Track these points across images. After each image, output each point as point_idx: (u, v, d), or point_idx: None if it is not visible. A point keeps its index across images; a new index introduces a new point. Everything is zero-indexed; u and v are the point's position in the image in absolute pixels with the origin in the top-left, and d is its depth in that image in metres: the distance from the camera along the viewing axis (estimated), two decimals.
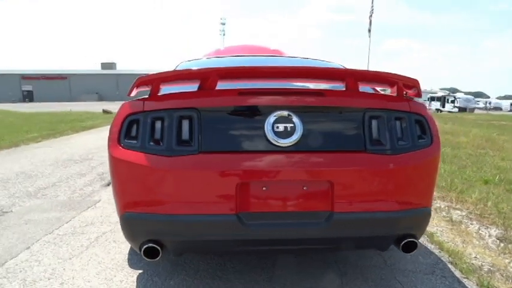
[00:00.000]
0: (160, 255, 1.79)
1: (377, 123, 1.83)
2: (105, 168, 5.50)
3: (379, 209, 1.81)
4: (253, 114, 1.78)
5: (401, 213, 1.83)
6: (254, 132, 1.76)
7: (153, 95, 1.81)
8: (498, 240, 3.08)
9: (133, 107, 1.80)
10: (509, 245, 2.97)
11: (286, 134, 1.72)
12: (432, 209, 3.77)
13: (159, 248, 1.78)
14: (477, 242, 3.06)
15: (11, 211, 3.65)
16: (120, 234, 2.65)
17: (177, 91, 1.85)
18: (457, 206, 3.98)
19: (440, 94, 44.63)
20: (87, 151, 7.30)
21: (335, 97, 1.86)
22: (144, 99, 1.80)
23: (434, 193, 4.32)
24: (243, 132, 1.78)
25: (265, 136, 1.73)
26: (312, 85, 2.07)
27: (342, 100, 1.85)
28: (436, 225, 3.42)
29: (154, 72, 1.73)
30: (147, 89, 1.82)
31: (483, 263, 2.66)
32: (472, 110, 39.72)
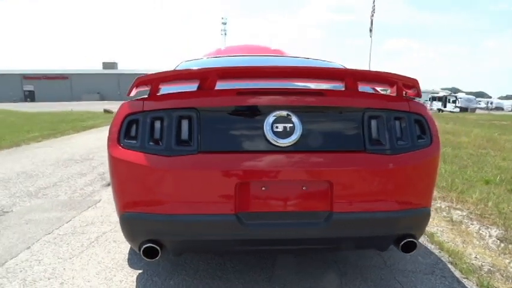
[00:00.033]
0: (159, 255, 1.80)
1: (376, 123, 1.83)
2: (105, 168, 5.51)
3: (378, 209, 1.81)
4: (253, 114, 1.78)
5: (401, 213, 1.83)
6: (253, 132, 1.76)
7: (153, 95, 1.81)
8: (498, 241, 3.08)
9: (132, 107, 1.80)
10: (510, 245, 2.96)
11: (285, 134, 1.72)
12: (432, 209, 3.78)
13: (158, 248, 1.78)
14: (477, 242, 3.05)
15: (12, 211, 3.66)
16: (120, 234, 2.65)
17: (176, 91, 1.85)
18: (458, 206, 3.98)
19: (441, 94, 44.57)
20: (88, 151, 7.31)
21: (334, 97, 1.85)
22: (143, 99, 1.80)
23: (435, 193, 4.32)
24: (242, 132, 1.78)
25: (264, 136, 1.73)
26: (311, 85, 2.07)
27: (341, 100, 1.85)
28: (436, 225, 3.41)
29: (154, 72, 1.73)
30: (146, 89, 1.83)
31: (483, 263, 2.65)
32: (474, 110, 39.67)
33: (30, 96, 60.10)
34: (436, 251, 2.83)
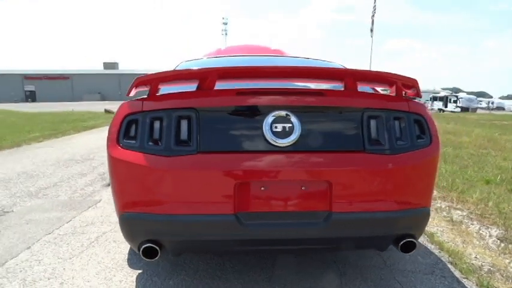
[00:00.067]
0: (159, 255, 1.80)
1: (376, 123, 1.83)
2: (106, 168, 5.50)
3: (377, 209, 1.81)
4: (252, 114, 1.78)
5: (400, 213, 1.83)
6: (252, 132, 1.76)
7: (152, 95, 1.81)
8: (499, 241, 3.08)
9: (132, 107, 1.80)
10: (510, 245, 2.96)
11: (284, 134, 1.72)
12: (432, 209, 3.78)
13: (157, 248, 1.78)
14: (477, 242, 3.05)
15: (12, 211, 3.67)
16: (120, 234, 2.65)
17: (176, 91, 1.85)
18: (458, 206, 3.97)
19: (442, 94, 44.51)
20: (89, 151, 7.32)
21: (333, 97, 1.85)
22: (142, 99, 1.81)
23: (435, 193, 4.32)
24: (241, 132, 1.78)
25: (263, 136, 1.73)
26: (311, 85, 2.07)
27: (341, 100, 1.85)
28: (436, 225, 3.41)
29: (153, 72, 1.73)
30: (146, 89, 1.83)
31: (483, 263, 2.65)
32: (475, 109, 39.62)
33: (31, 97, 60.14)
34: (436, 251, 2.83)
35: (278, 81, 1.98)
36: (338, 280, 2.33)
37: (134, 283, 2.29)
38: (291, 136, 1.72)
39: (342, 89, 1.85)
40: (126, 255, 2.66)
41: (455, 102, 39.77)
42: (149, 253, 1.79)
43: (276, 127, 1.73)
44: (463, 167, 5.94)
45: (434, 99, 42.26)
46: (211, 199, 1.73)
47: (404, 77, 1.82)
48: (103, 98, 57.74)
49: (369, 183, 1.79)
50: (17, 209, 3.72)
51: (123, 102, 1.88)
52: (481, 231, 3.28)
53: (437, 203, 4.07)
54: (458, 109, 38.10)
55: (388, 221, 1.83)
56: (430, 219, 3.27)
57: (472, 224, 3.45)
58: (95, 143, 8.48)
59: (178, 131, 1.75)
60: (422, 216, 1.91)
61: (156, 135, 1.76)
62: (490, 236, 3.19)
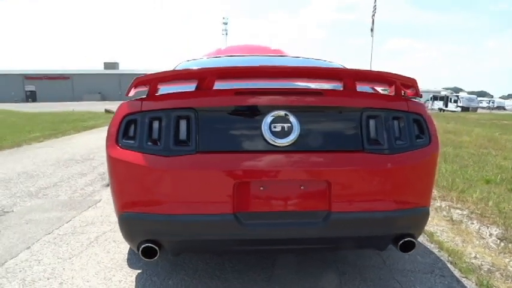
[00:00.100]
0: (158, 255, 1.80)
1: (375, 122, 1.83)
2: (106, 168, 5.52)
3: (377, 209, 1.81)
4: (251, 114, 1.78)
5: (399, 213, 1.83)
6: (251, 132, 1.76)
7: (151, 95, 1.82)
8: (498, 240, 3.07)
9: (131, 107, 1.80)
10: (510, 245, 2.96)
11: (283, 133, 1.72)
12: (432, 209, 3.78)
13: (156, 247, 1.78)
14: (477, 242, 3.05)
15: (12, 211, 3.67)
16: (119, 234, 2.66)
17: (175, 91, 1.85)
18: (458, 206, 3.97)
19: (443, 93, 44.48)
20: (89, 151, 7.32)
21: (332, 97, 1.86)
22: (142, 99, 1.81)
23: (435, 192, 4.32)
24: (240, 132, 1.78)
25: (262, 136, 1.73)
26: (310, 85, 2.07)
27: (340, 100, 1.85)
28: (436, 225, 3.41)
29: (152, 72, 1.73)
30: (145, 89, 1.83)
31: (483, 263, 2.65)
32: (475, 109, 39.61)
33: (31, 97, 60.17)
34: (436, 251, 2.83)
35: (277, 81, 1.98)
36: (337, 280, 2.33)
37: (134, 283, 2.29)
38: (290, 136, 1.73)
39: (341, 88, 1.85)
40: (126, 255, 2.66)
41: (455, 101, 39.75)
42: (148, 253, 1.79)
43: (275, 127, 1.73)
44: (463, 167, 5.93)
45: (435, 98, 42.24)
46: (211, 199, 1.73)
47: (404, 76, 1.82)
48: (103, 98, 57.74)
49: (368, 183, 1.79)
50: (17, 209, 3.72)
51: (122, 102, 1.89)
52: (480, 231, 3.28)
53: (437, 203, 4.07)
54: (459, 109, 38.09)
55: (387, 221, 1.83)
56: (429, 219, 3.26)
57: (472, 224, 3.45)
58: (95, 143, 8.48)
59: (177, 131, 1.75)
60: (421, 215, 1.91)
61: (155, 135, 1.76)
62: (490, 235, 3.18)
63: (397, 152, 1.81)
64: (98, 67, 69.64)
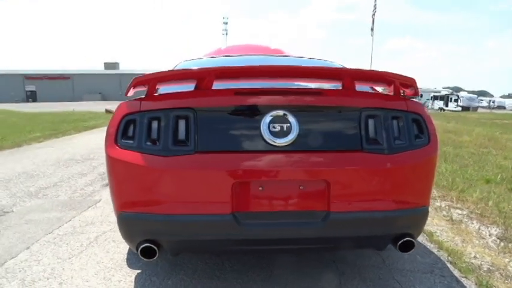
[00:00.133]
0: (157, 255, 1.80)
1: (374, 122, 1.83)
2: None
3: (376, 209, 1.81)
4: (249, 114, 1.78)
5: (399, 213, 1.83)
6: (250, 132, 1.76)
7: (150, 95, 1.82)
8: (498, 240, 3.07)
9: (130, 107, 1.80)
10: (510, 244, 2.96)
11: (282, 133, 1.72)
12: (432, 208, 3.78)
13: (155, 247, 1.78)
14: (477, 241, 3.05)
15: (12, 211, 3.67)
16: (119, 234, 2.66)
17: (174, 91, 1.85)
18: (458, 205, 3.97)
19: (443, 93, 44.46)
20: (89, 151, 7.32)
21: (331, 96, 1.85)
22: (141, 99, 1.81)
23: (435, 192, 4.32)
24: (239, 132, 1.78)
25: (261, 136, 1.73)
26: (309, 84, 2.07)
27: (338, 99, 1.85)
28: (436, 225, 3.40)
29: (151, 72, 1.73)
30: (144, 89, 1.83)
31: (482, 262, 2.65)
32: (476, 108, 39.60)
33: (32, 97, 60.18)
34: (435, 250, 2.82)
35: (276, 80, 1.98)
36: (337, 279, 2.33)
37: (133, 283, 2.29)
38: (289, 136, 1.72)
39: (340, 88, 1.85)
40: (125, 255, 2.66)
41: (456, 101, 39.74)
42: (147, 253, 1.79)
43: (273, 127, 1.72)
44: (463, 166, 5.93)
45: (435, 98, 42.22)
46: (209, 199, 1.73)
47: (402, 76, 1.81)
48: (104, 98, 57.73)
49: (367, 183, 1.79)
50: (17, 209, 3.72)
51: (121, 102, 1.88)
52: (480, 231, 3.28)
53: (437, 202, 4.06)
54: (459, 108, 38.07)
55: (387, 221, 1.83)
56: (429, 219, 3.27)
57: (471, 223, 3.45)
58: (95, 142, 8.48)
59: (176, 131, 1.75)
60: (420, 215, 1.91)
61: (154, 135, 1.76)
62: (490, 235, 3.18)
63: (396, 152, 1.81)
64: (98, 67, 69.65)
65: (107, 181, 4.66)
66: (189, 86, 1.83)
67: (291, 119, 1.73)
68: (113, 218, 3.37)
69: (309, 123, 1.78)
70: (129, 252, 2.69)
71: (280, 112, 1.74)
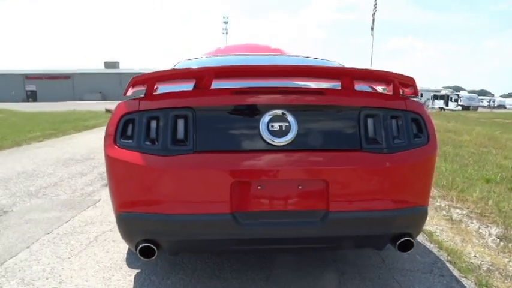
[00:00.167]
0: (156, 255, 1.80)
1: (373, 121, 1.82)
2: None
3: (375, 208, 1.80)
4: (248, 113, 1.77)
5: (398, 212, 1.82)
6: (249, 132, 1.76)
7: (149, 95, 1.81)
8: (498, 239, 3.07)
9: (129, 107, 1.80)
10: (509, 244, 2.95)
11: (281, 133, 1.72)
12: (432, 208, 3.78)
13: (154, 247, 1.78)
14: (477, 241, 3.04)
15: (12, 210, 3.67)
16: (118, 234, 2.67)
17: (174, 90, 1.85)
18: (458, 205, 3.97)
19: (443, 92, 44.43)
20: (89, 150, 7.32)
21: (330, 96, 1.85)
22: (139, 99, 1.80)
23: (435, 192, 4.31)
24: (238, 132, 1.77)
25: (260, 135, 1.73)
26: (308, 84, 2.06)
27: (337, 99, 1.84)
28: (435, 224, 3.40)
29: (150, 72, 1.73)
30: (143, 88, 1.82)
31: (482, 262, 2.65)
32: (476, 108, 39.58)
33: (32, 96, 60.13)
34: (435, 250, 2.82)
35: (275, 80, 1.97)
36: (337, 279, 2.33)
37: (132, 282, 2.29)
38: (288, 135, 1.72)
39: (339, 87, 1.85)
40: (125, 255, 2.66)
41: (456, 100, 39.73)
42: (146, 252, 1.79)
43: (272, 126, 1.72)
44: (464, 166, 5.92)
45: (436, 97, 42.19)
46: (208, 198, 1.73)
47: (402, 75, 1.81)
48: (104, 98, 57.68)
49: (366, 182, 1.79)
50: (17, 209, 3.72)
51: (120, 101, 1.88)
52: (480, 230, 3.28)
53: (437, 202, 4.06)
54: (460, 107, 38.06)
55: (386, 220, 1.82)
56: (429, 218, 3.26)
57: (471, 223, 3.45)
58: (95, 142, 8.47)
59: (175, 131, 1.74)
60: (420, 215, 1.91)
61: (152, 134, 1.76)
62: (490, 234, 3.18)
63: (395, 151, 1.80)
64: (98, 66, 69.57)
65: (106, 181, 4.67)
66: (188, 86, 1.83)
67: (290, 118, 1.73)
68: (113, 218, 3.36)
69: (308, 122, 1.77)
70: (129, 252, 2.69)
71: (279, 111, 1.74)
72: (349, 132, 1.81)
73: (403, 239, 1.85)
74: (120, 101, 1.92)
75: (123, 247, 2.77)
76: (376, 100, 1.87)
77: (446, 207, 3.90)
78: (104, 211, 3.64)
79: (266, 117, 1.73)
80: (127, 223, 1.81)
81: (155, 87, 1.85)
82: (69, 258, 2.62)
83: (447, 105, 39.92)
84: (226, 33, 59.13)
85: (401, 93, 1.93)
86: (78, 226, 3.25)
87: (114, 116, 1.81)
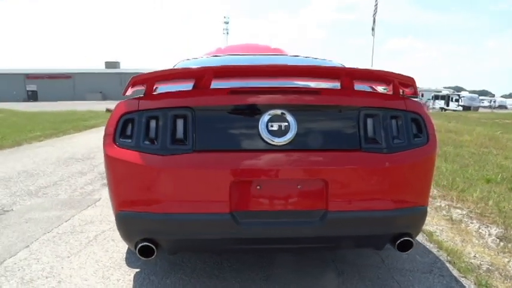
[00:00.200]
0: (155, 254, 1.80)
1: (372, 121, 1.82)
2: None
3: (374, 208, 1.80)
4: (248, 113, 1.77)
5: (397, 212, 1.82)
6: (248, 131, 1.76)
7: (148, 94, 1.81)
8: (498, 239, 3.07)
9: (128, 106, 1.80)
10: (509, 244, 2.95)
11: (280, 132, 1.72)
12: (432, 208, 3.77)
13: (154, 246, 1.78)
14: (477, 241, 3.04)
15: (12, 210, 3.68)
16: (118, 233, 2.67)
17: (173, 90, 1.85)
18: (458, 205, 3.96)
19: (444, 93, 44.36)
20: (89, 150, 7.33)
21: (330, 95, 1.85)
22: (139, 98, 1.81)
23: (435, 192, 4.31)
24: (237, 131, 1.77)
25: (259, 135, 1.72)
26: (308, 83, 2.06)
27: (337, 98, 1.84)
28: (435, 224, 3.40)
29: (149, 71, 1.73)
30: (142, 88, 1.83)
31: (482, 262, 2.64)
32: (477, 108, 39.52)
33: (33, 96, 60.16)
34: (435, 250, 2.82)
35: (274, 79, 1.97)
36: (336, 279, 2.33)
37: (132, 282, 2.29)
38: (287, 135, 1.72)
39: (339, 87, 1.85)
40: (124, 254, 2.66)
41: (457, 101, 39.67)
42: (145, 252, 1.79)
43: (272, 126, 1.72)
44: (464, 166, 5.92)
45: (436, 98, 42.15)
46: (207, 198, 1.73)
47: (401, 75, 1.81)
48: (104, 97, 57.69)
49: (365, 182, 1.79)
50: (17, 208, 3.73)
51: (119, 101, 1.88)
52: (480, 230, 3.27)
53: (437, 202, 4.06)
54: (460, 108, 38.01)
55: (385, 220, 1.82)
56: (429, 218, 3.26)
57: (471, 223, 3.44)
58: (95, 142, 8.48)
59: (174, 130, 1.75)
60: (419, 215, 1.90)
61: (152, 134, 1.76)
62: (490, 234, 3.18)
63: (394, 151, 1.80)
64: (99, 66, 69.59)
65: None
66: (187, 85, 1.83)
67: (289, 118, 1.73)
68: (112, 217, 3.37)
69: (307, 122, 1.77)
70: (128, 251, 2.69)
71: (279, 111, 1.74)
72: (348, 132, 1.81)
73: (402, 239, 1.84)
74: (119, 101, 1.92)
75: (123, 246, 2.77)
76: (376, 100, 1.87)
77: (447, 207, 3.90)
78: (103, 210, 3.64)
79: (265, 117, 1.73)
80: (126, 222, 1.81)
81: (154, 87, 1.85)
82: (68, 257, 2.62)
83: (448, 105, 39.88)
84: (227, 33, 59.11)
85: (401, 93, 1.93)
86: (78, 225, 3.25)
87: (114, 115, 1.81)
